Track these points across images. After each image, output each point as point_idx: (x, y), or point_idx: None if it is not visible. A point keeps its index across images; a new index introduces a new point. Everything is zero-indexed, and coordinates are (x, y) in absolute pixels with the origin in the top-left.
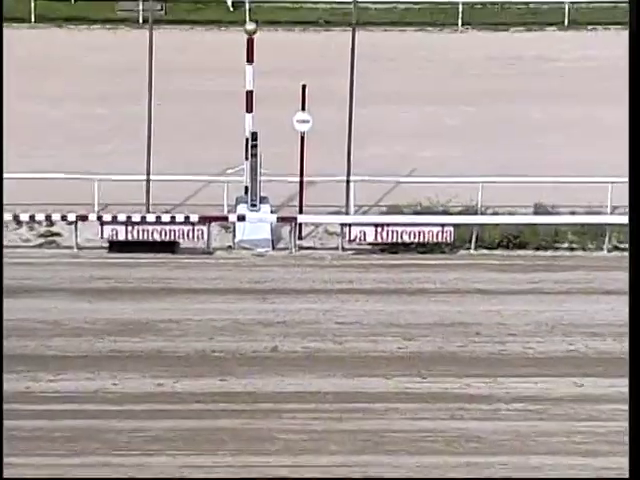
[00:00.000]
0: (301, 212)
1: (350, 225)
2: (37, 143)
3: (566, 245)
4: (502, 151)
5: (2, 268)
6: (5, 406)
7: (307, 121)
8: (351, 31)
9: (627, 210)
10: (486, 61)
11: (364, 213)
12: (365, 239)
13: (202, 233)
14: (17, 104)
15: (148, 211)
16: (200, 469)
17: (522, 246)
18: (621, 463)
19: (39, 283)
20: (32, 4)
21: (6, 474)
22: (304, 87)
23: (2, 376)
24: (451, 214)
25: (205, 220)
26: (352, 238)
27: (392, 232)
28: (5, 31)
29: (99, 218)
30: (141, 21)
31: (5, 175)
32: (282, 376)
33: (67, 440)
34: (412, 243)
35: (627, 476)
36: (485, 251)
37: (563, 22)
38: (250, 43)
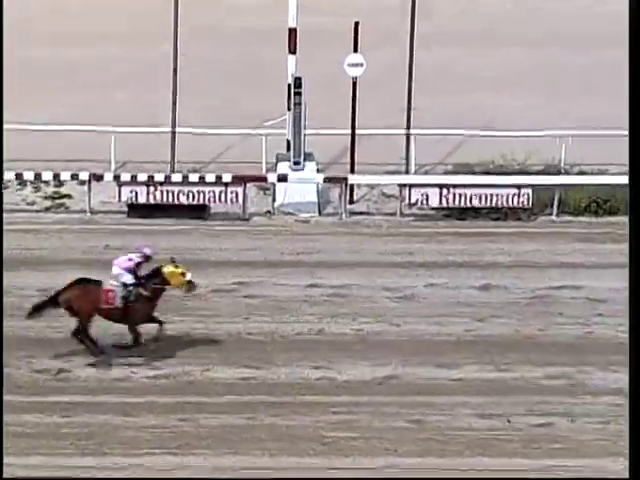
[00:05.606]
0: (352, 171)
1: (410, 186)
2: (46, 89)
3: None
4: (592, 102)
5: (2, 248)
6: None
7: (360, 64)
8: None
9: None
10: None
11: (426, 173)
12: (427, 203)
13: (236, 196)
14: (32, 46)
15: (173, 170)
16: (234, 471)
17: (613, 211)
18: None
19: (45, 253)
20: None
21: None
22: (357, 25)
23: (2, 377)
24: (529, 174)
25: (240, 180)
26: (412, 202)
27: (459, 195)
28: None
29: (116, 178)
30: None
31: (6, 126)
32: (329, 363)
33: (78, 438)
34: (483, 208)
35: (627, 476)
36: (569, 217)
37: None
38: None
